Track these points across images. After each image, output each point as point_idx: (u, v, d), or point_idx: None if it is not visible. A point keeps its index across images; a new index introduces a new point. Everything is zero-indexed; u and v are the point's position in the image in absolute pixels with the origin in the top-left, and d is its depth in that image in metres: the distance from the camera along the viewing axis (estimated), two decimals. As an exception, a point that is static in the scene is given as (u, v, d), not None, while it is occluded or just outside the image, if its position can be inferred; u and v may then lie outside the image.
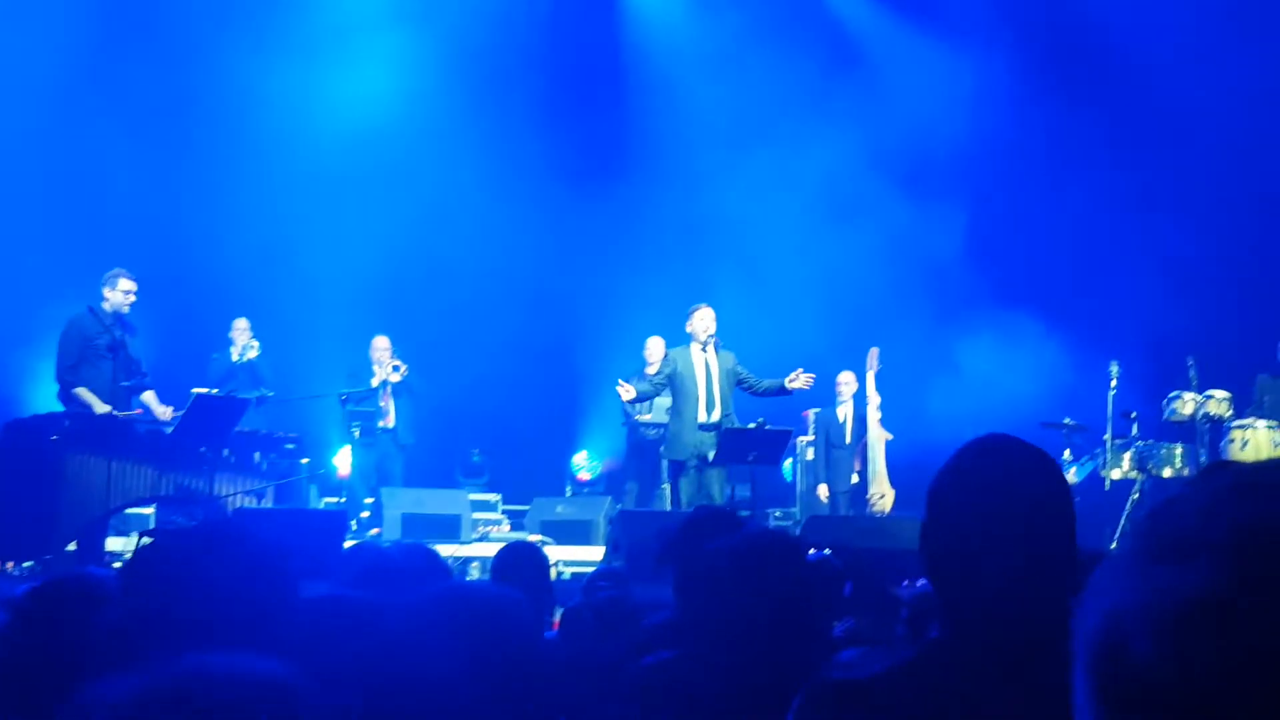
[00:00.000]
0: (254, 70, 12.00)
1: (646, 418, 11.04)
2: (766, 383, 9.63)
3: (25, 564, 8.44)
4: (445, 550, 9.54)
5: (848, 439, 11.38)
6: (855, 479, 11.31)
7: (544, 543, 10.25)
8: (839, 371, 11.48)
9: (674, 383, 9.55)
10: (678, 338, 9.91)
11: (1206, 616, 0.66)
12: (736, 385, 9.68)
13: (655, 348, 10.77)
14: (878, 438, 11.18)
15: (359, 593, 2.63)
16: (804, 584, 2.57)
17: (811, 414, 11.76)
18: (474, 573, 9.89)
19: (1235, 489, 0.71)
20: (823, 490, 11.39)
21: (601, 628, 3.91)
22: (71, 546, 8.49)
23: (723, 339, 9.65)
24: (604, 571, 5.28)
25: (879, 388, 11.19)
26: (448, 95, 12.55)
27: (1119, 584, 0.72)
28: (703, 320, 9.54)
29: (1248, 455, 10.21)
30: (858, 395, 11.32)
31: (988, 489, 1.80)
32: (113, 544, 9.41)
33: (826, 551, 5.13)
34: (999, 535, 1.77)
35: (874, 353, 11.06)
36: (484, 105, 12.61)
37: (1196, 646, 0.66)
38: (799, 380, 9.41)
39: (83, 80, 11.59)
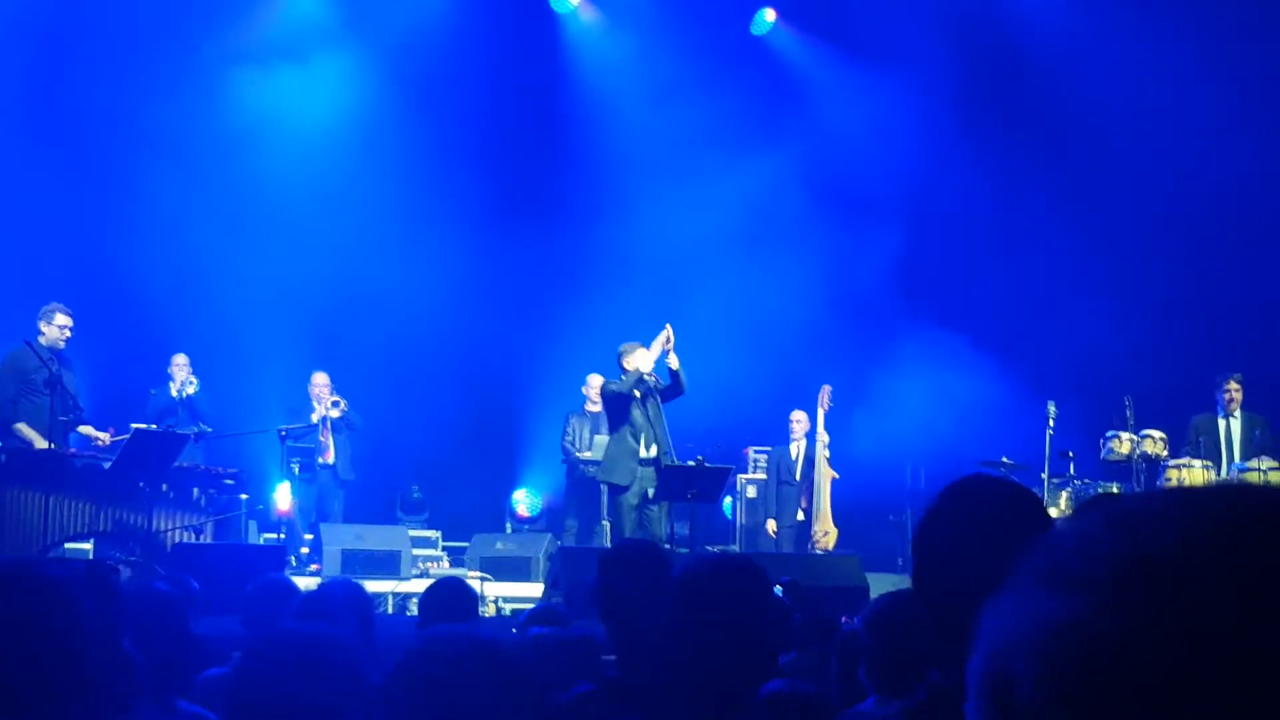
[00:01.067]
0: (194, 104, 12.05)
1: (586, 455, 11.14)
2: (666, 383, 9.65)
3: None
4: (385, 586, 9.97)
5: (797, 476, 11.65)
6: (800, 516, 11.56)
7: (484, 579, 10.46)
8: (789, 408, 11.72)
9: (616, 413, 9.74)
10: (614, 373, 9.97)
11: (1085, 649, 0.66)
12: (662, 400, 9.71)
13: (595, 382, 10.95)
14: (824, 476, 11.46)
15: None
16: (764, 613, 2.66)
17: (750, 451, 12.03)
18: (413, 608, 9.50)
19: (1111, 521, 0.70)
20: (771, 525, 11.62)
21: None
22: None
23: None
24: (538, 611, 5.28)
25: (828, 426, 11.46)
26: (386, 131, 12.53)
27: (1004, 619, 0.72)
28: (641, 360, 9.59)
29: None
30: (809, 433, 11.57)
31: (973, 532, 1.79)
32: None
33: (778, 588, 5.31)
34: (991, 577, 1.92)
35: (825, 391, 11.37)
36: (421, 142, 12.51)
37: (1076, 679, 0.66)
38: (659, 340, 9.39)
39: (15, 108, 11.50)
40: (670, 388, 9.67)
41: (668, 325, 9.48)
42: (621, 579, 3.61)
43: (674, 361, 9.53)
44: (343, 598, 4.05)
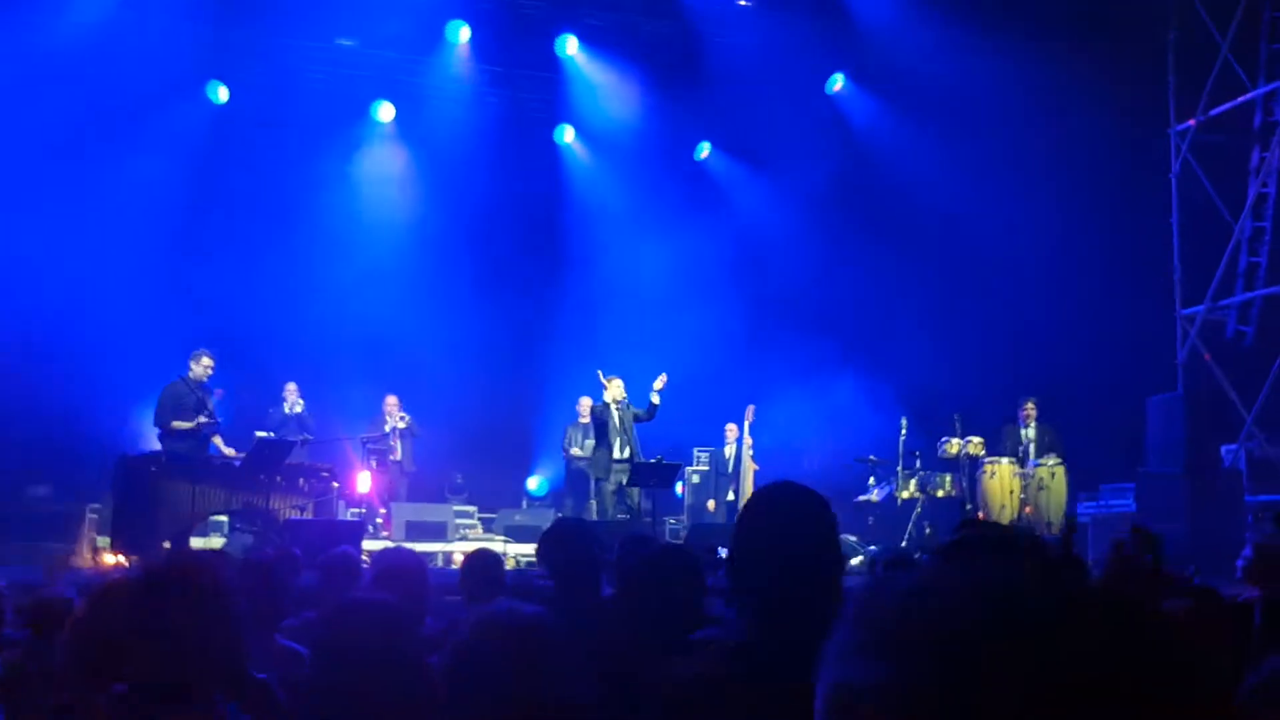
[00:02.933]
0: (304, 195, 11.86)
1: (578, 453, 11.00)
2: (645, 410, 9.80)
3: (133, 558, 8.11)
4: (436, 547, 9.87)
5: (729, 469, 11.55)
6: (731, 496, 11.43)
7: (507, 541, 10.48)
8: (725, 421, 11.61)
9: (600, 428, 9.86)
10: (601, 397, 9.99)
11: (896, 706, 0.60)
12: (636, 422, 9.82)
13: (585, 403, 10.88)
14: (748, 468, 11.34)
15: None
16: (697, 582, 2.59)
17: (696, 451, 11.94)
18: (457, 563, 9.33)
19: (923, 592, 0.64)
20: (711, 504, 11.56)
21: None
22: (166, 546, 8.35)
23: (631, 395, 9.85)
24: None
25: (751, 432, 11.34)
26: (432, 215, 12.26)
27: (834, 665, 0.65)
28: (615, 388, 9.83)
29: (995, 484, 10.35)
30: (738, 439, 11.45)
31: (773, 526, 1.74)
32: (198, 543, 9.25)
33: (723, 552, 5.35)
34: (785, 559, 1.70)
35: (750, 409, 11.26)
36: (458, 224, 12.26)
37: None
38: (657, 385, 9.64)
39: (175, 202, 11.22)
40: (646, 413, 9.83)
41: (663, 374, 9.68)
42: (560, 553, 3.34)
43: (656, 398, 9.73)
44: (406, 569, 3.76)
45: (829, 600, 1.60)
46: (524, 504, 12.33)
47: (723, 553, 4.89)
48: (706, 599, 2.85)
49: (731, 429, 11.58)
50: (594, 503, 10.18)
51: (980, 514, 10.30)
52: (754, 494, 1.87)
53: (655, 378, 9.92)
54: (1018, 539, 2.11)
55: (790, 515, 1.75)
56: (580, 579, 3.21)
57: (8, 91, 9.98)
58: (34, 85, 10.10)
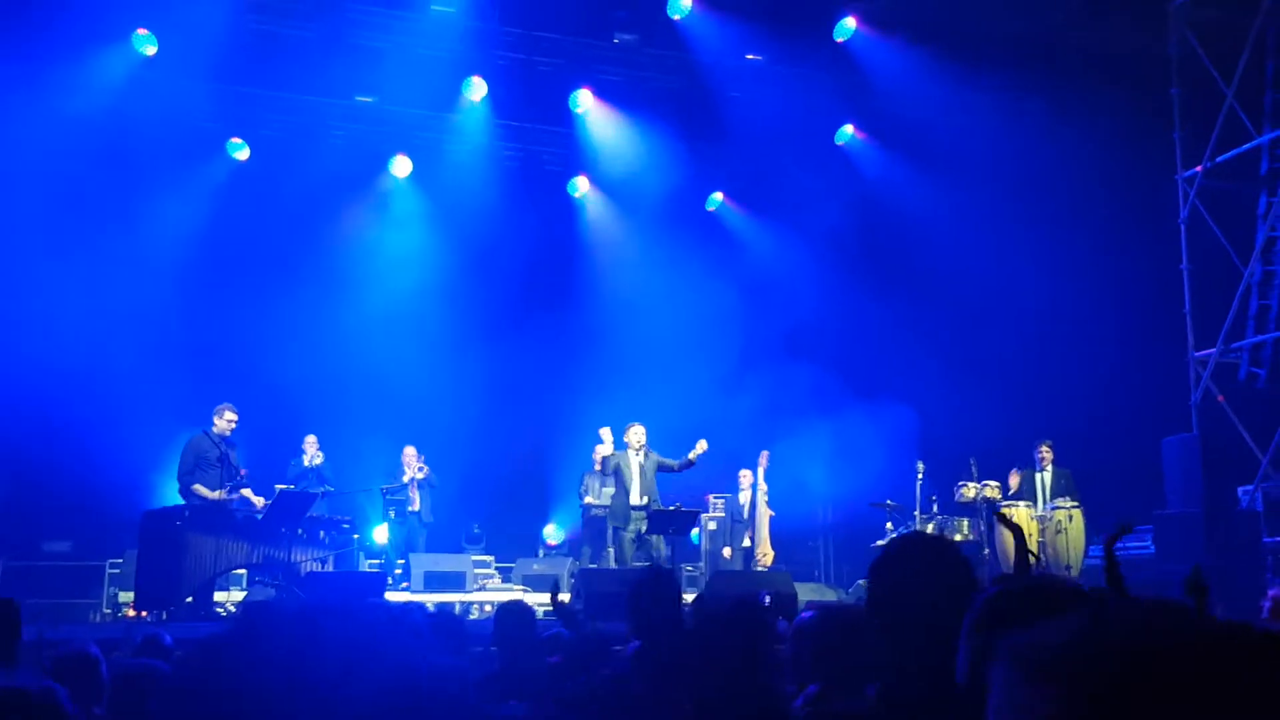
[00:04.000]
0: (323, 250, 12.05)
1: (595, 501, 11.10)
2: (679, 462, 9.93)
3: (157, 612, 8.38)
4: (455, 597, 9.96)
5: (745, 515, 11.60)
6: (747, 542, 11.50)
7: (525, 590, 10.42)
8: (738, 467, 11.66)
9: (617, 475, 9.98)
10: (617, 444, 10.24)
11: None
12: (661, 471, 9.97)
13: (602, 452, 10.71)
14: (763, 514, 11.45)
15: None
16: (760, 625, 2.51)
17: (711, 498, 11.99)
18: (474, 614, 9.85)
19: (1077, 634, 0.66)
20: (727, 551, 11.59)
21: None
22: (189, 600, 8.57)
23: (650, 441, 10.02)
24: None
25: (766, 478, 11.45)
26: (450, 270, 12.39)
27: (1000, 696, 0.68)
28: (635, 434, 10.01)
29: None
30: (753, 485, 11.52)
31: (916, 573, 1.73)
32: (219, 597, 9.41)
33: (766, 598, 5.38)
34: (926, 610, 1.68)
35: (764, 455, 11.41)
36: (475, 278, 12.42)
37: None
38: (698, 450, 9.77)
39: (194, 255, 11.39)
40: (682, 466, 9.99)
41: (703, 441, 9.84)
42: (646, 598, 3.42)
43: (693, 458, 9.88)
44: (448, 630, 3.95)
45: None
46: (541, 553, 12.40)
47: (766, 599, 5.04)
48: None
49: (745, 475, 11.69)
50: (611, 550, 10.28)
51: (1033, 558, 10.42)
52: (884, 552, 1.83)
53: (673, 425, 10.17)
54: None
55: (925, 572, 1.74)
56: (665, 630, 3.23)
57: (34, 150, 10.27)
58: (60, 143, 10.36)
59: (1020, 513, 10.57)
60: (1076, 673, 0.66)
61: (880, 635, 1.74)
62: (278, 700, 1.66)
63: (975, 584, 1.72)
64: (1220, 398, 11.49)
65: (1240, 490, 11.16)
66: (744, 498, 11.72)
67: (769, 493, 11.54)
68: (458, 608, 9.96)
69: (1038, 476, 10.84)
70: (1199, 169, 11.60)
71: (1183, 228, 11.80)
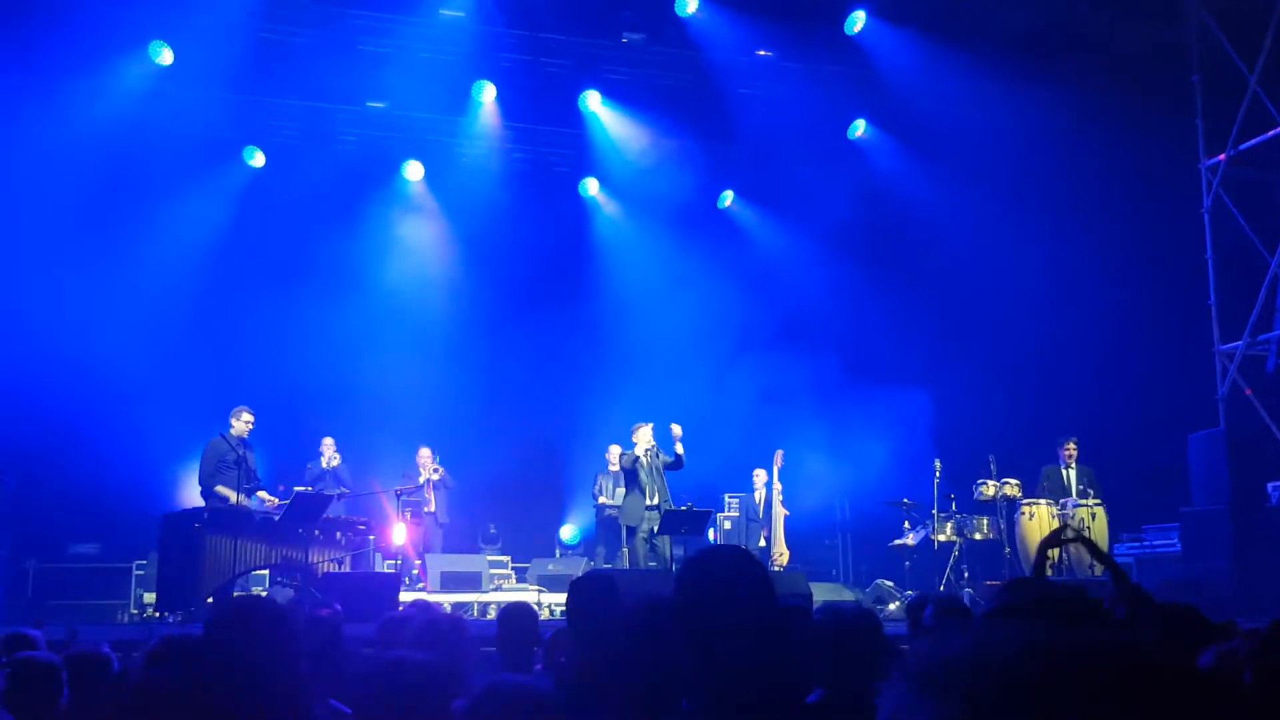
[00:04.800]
0: (337, 254, 12.16)
1: (609, 502, 11.24)
2: (672, 460, 9.99)
3: (177, 614, 8.55)
4: (471, 598, 10.13)
5: (760, 514, 11.70)
6: (763, 542, 11.59)
7: (540, 590, 10.65)
8: (754, 466, 11.76)
9: (632, 476, 10.07)
10: (629, 445, 10.29)
11: None
12: (668, 470, 10.04)
13: (614, 452, 11.14)
14: (779, 514, 11.54)
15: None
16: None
17: (727, 497, 12.07)
18: (492, 614, 9.77)
19: (983, 649, 0.67)
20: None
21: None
22: (210, 600, 8.66)
23: (659, 440, 10.05)
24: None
25: (781, 477, 11.53)
26: (468, 272, 12.57)
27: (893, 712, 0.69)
28: (644, 435, 10.12)
29: (1034, 526, 10.37)
30: (767, 484, 11.62)
31: (714, 586, 1.74)
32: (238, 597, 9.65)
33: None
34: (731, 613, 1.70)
35: (779, 454, 11.48)
36: (492, 280, 12.58)
37: None
38: (675, 435, 9.88)
39: (211, 260, 11.64)
40: (674, 463, 10.04)
41: (677, 425, 9.89)
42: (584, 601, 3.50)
43: (679, 448, 9.96)
44: (445, 628, 3.77)
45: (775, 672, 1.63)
46: (557, 553, 12.50)
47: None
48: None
49: (760, 474, 11.77)
50: (625, 550, 10.34)
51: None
52: (682, 565, 1.86)
53: (685, 426, 10.16)
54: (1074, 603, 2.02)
55: (722, 585, 1.76)
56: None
57: (54, 158, 10.58)
58: (79, 152, 10.66)
59: (1041, 510, 10.54)
60: (954, 689, 0.67)
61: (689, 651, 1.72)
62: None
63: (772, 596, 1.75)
64: (1248, 391, 11.35)
65: (1269, 486, 10.99)
66: (759, 496, 11.82)
67: (784, 491, 11.60)
68: (475, 608, 10.17)
69: (1064, 473, 10.78)
70: (1222, 157, 11.47)
71: (1206, 217, 11.67)
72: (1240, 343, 11.38)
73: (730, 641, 1.66)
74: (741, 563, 1.79)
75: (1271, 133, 11.02)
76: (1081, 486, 10.60)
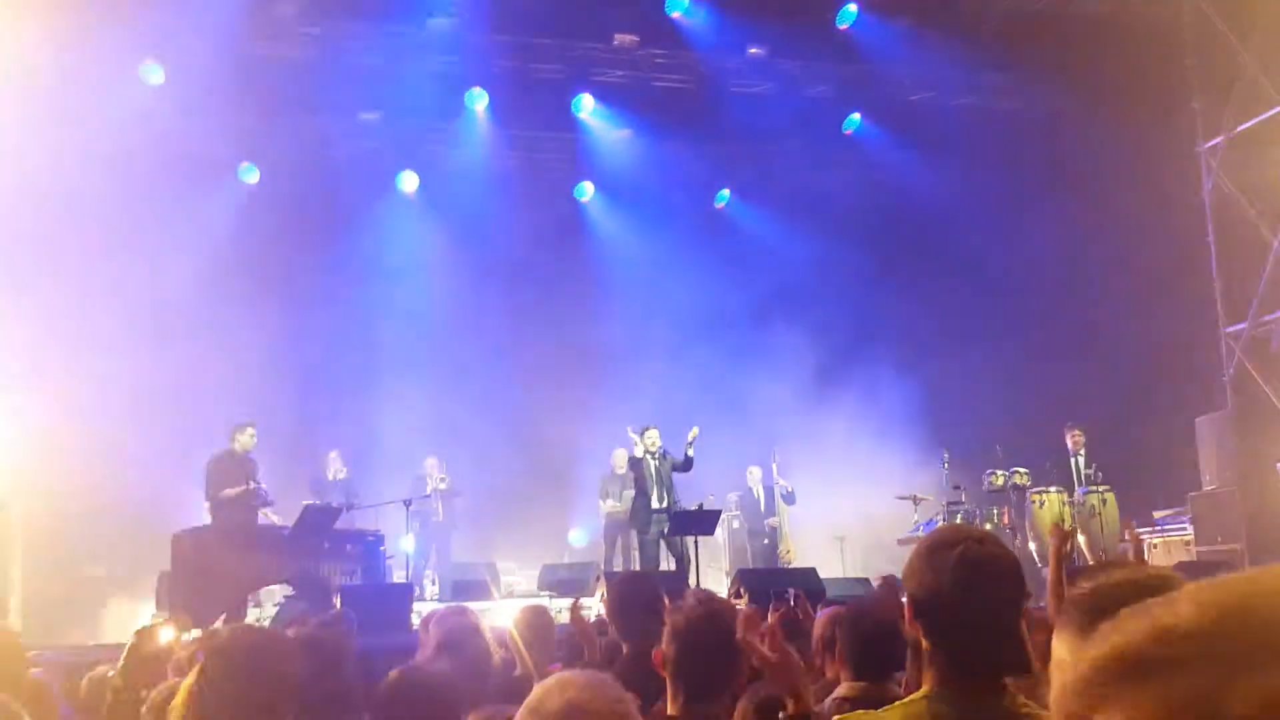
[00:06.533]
0: (335, 266, 12.25)
1: (613, 505, 11.37)
2: (681, 462, 10.12)
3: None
4: (481, 604, 9.80)
5: (762, 510, 11.81)
6: (766, 541, 11.72)
7: (551, 595, 10.55)
8: (751, 463, 11.83)
9: (637, 480, 10.28)
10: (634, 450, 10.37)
11: None
12: (675, 472, 10.18)
13: (620, 457, 11.26)
14: (783, 510, 11.69)
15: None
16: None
17: (730, 495, 12.20)
18: (501, 621, 10.24)
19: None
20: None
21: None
22: (222, 617, 8.47)
23: (667, 443, 10.21)
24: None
25: (782, 474, 11.67)
26: (471, 284, 12.59)
27: None
28: (651, 438, 10.26)
29: (1045, 514, 10.57)
30: (766, 480, 11.73)
31: (964, 565, 1.74)
32: (251, 614, 9.53)
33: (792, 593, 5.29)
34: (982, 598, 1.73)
35: (776, 451, 11.66)
36: (493, 290, 12.64)
37: None
38: (691, 437, 10.02)
39: (211, 277, 11.60)
40: (684, 464, 10.18)
41: (695, 427, 10.03)
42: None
43: (691, 450, 10.09)
44: (466, 634, 3.77)
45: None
46: (565, 557, 12.64)
47: (790, 594, 5.24)
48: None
49: (753, 471, 11.88)
50: (635, 553, 10.55)
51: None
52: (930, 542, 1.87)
53: (686, 427, 10.32)
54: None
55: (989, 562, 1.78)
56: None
57: (49, 178, 10.69)
58: (72, 175, 10.77)
59: (1052, 498, 10.71)
60: None
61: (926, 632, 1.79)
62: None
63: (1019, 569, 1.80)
64: (1254, 372, 11.46)
65: (1279, 465, 11.14)
66: (756, 493, 11.93)
67: (789, 488, 11.74)
68: (485, 615, 10.26)
69: (1071, 461, 10.91)
70: (1220, 139, 11.61)
71: (1207, 200, 11.81)
72: (1245, 324, 11.51)
73: None
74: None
75: (1269, 113, 11.15)
76: (1089, 473, 10.75)
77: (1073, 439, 10.89)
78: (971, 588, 1.72)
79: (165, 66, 11.28)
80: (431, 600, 10.21)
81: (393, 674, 2.04)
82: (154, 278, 11.34)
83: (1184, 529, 11.36)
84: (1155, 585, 1.28)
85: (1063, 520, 10.85)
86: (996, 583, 1.74)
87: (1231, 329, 11.74)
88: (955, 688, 1.74)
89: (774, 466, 11.67)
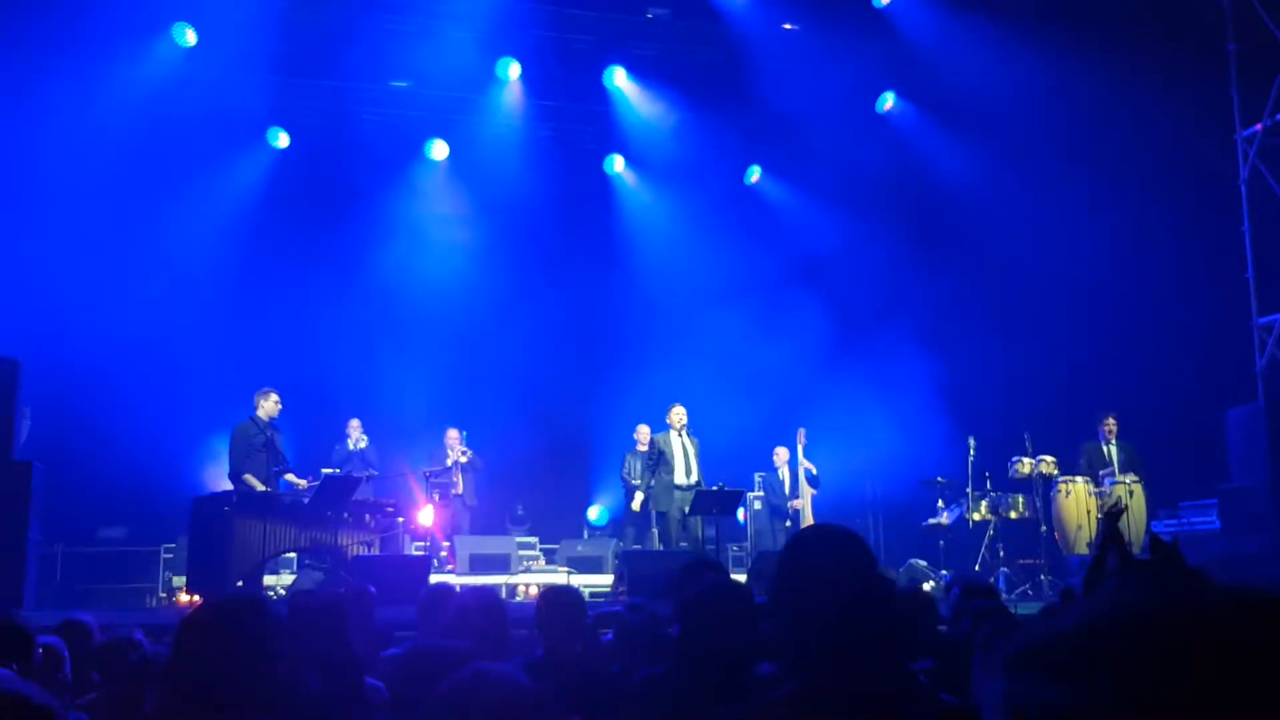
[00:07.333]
0: (362, 234, 12.34)
1: (638, 482, 11.10)
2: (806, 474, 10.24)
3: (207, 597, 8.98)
4: (499, 579, 10.22)
5: (786, 492, 11.77)
6: (789, 523, 11.61)
7: (569, 572, 10.82)
8: (778, 442, 11.80)
9: (660, 458, 10.21)
10: (658, 425, 10.49)
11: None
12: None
13: (643, 431, 11.19)
14: (806, 493, 11.59)
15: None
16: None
17: (756, 476, 12.12)
18: (521, 595, 10.11)
19: (1102, 619, 0.66)
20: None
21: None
22: (240, 584, 8.78)
23: (690, 423, 10.23)
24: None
25: (808, 455, 11.58)
26: (497, 255, 12.65)
27: (1003, 680, 0.69)
28: (677, 414, 10.24)
29: (1071, 504, 10.52)
30: (791, 462, 11.68)
31: (818, 569, 1.71)
32: (269, 580, 9.82)
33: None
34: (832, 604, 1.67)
35: (801, 432, 11.55)
36: (522, 259, 12.68)
37: None
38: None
39: (237, 242, 11.76)
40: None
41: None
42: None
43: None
44: (485, 609, 3.69)
45: (880, 642, 1.63)
46: (585, 534, 12.67)
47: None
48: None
49: (781, 452, 11.83)
50: (655, 531, 10.51)
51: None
52: (789, 541, 1.84)
53: (715, 404, 10.31)
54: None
55: (829, 559, 1.73)
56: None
57: (80, 140, 10.76)
58: (105, 134, 10.86)
59: (1078, 488, 10.63)
60: (1102, 662, 0.65)
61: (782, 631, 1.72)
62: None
63: (876, 576, 1.74)
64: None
65: (1309, 459, 11.01)
66: (782, 474, 11.88)
67: (814, 471, 11.68)
68: (503, 590, 10.25)
69: (1104, 449, 10.83)
70: (1259, 127, 11.44)
71: (1243, 188, 11.65)
72: (1278, 315, 11.37)
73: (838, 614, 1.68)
74: (848, 541, 1.80)
75: (1309, 101, 10.98)
76: (1123, 459, 10.65)
77: (1106, 426, 10.82)
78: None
79: (197, 29, 11.27)
80: (448, 574, 10.19)
81: (466, 673, 1.83)
82: (179, 240, 11.34)
83: (1211, 522, 11.26)
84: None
85: (1088, 511, 10.83)
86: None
87: (1264, 320, 11.59)
88: None
89: (799, 448, 11.60)
